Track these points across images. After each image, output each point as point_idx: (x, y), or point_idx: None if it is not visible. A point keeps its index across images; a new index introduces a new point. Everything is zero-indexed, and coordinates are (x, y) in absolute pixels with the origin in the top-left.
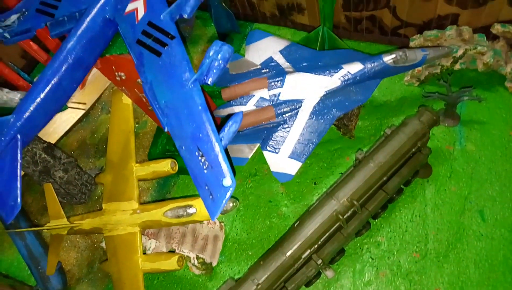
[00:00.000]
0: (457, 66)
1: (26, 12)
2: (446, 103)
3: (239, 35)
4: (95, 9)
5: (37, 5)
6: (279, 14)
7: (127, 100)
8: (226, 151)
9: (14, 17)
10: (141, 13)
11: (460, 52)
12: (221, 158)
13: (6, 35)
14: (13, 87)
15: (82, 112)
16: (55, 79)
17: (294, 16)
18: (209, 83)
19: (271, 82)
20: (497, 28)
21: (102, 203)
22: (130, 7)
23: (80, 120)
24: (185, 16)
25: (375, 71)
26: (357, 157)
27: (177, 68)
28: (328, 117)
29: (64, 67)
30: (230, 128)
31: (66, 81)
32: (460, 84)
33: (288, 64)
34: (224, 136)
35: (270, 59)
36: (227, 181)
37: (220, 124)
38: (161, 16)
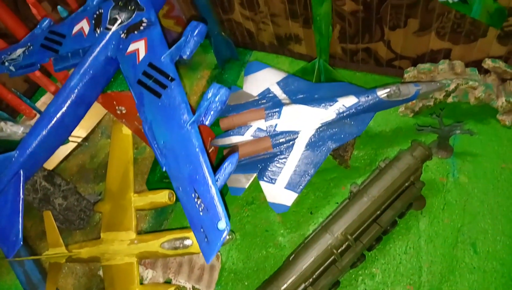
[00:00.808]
0: (450, 99)
1: (31, 47)
2: (439, 136)
3: (238, 62)
4: (98, 48)
5: (42, 41)
6: (277, 44)
7: (127, 131)
8: (221, 192)
9: (19, 51)
10: (142, 54)
11: (452, 86)
12: (217, 201)
13: (12, 68)
14: (15, 112)
15: (82, 136)
16: (58, 116)
17: (292, 45)
18: (206, 124)
19: (268, 113)
20: (488, 63)
21: (101, 232)
22: (131, 47)
23: (80, 145)
24: (185, 57)
25: (369, 105)
26: (352, 191)
27: (176, 110)
28: (323, 149)
29: (67, 104)
30: (226, 170)
31: (69, 117)
32: (454, 115)
33: (285, 95)
34: (219, 178)
35: (268, 90)
36: (222, 224)
37: (218, 152)
38: (162, 57)
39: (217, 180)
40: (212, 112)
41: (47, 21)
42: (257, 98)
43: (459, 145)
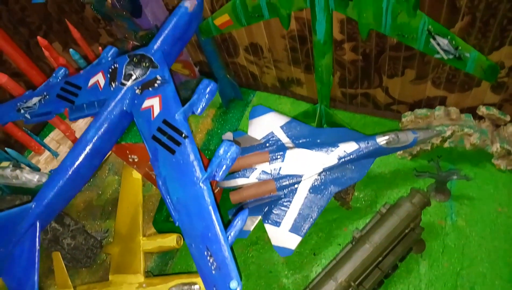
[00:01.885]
0: (446, 144)
1: (47, 96)
2: (436, 181)
3: (242, 102)
4: (113, 103)
5: (58, 91)
6: (279, 86)
7: (137, 175)
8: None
9: (35, 100)
10: (156, 110)
11: (448, 133)
12: (229, 260)
13: (27, 116)
14: (24, 147)
15: None
16: (74, 168)
17: (294, 88)
18: (218, 180)
19: (272, 156)
20: (482, 111)
21: (109, 274)
22: (146, 103)
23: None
24: (197, 113)
25: (369, 151)
26: (354, 236)
27: (189, 167)
28: (326, 193)
29: (83, 156)
30: (237, 226)
31: (85, 169)
32: (450, 158)
33: (288, 139)
34: (231, 234)
35: (271, 134)
36: (234, 283)
37: (222, 194)
38: (176, 115)
39: (228, 237)
40: (223, 168)
41: (62, 70)
42: (261, 141)
43: (456, 188)
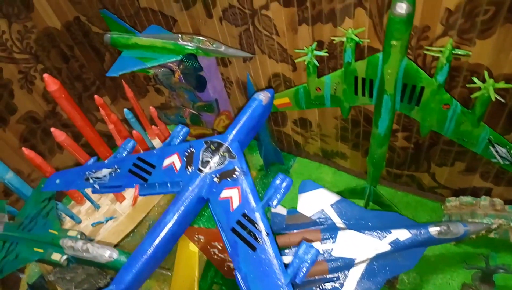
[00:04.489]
0: (491, 235)
1: (119, 170)
2: (483, 272)
3: (283, 166)
4: (191, 188)
5: (130, 166)
6: (322, 155)
7: (193, 248)
8: None
9: (106, 171)
10: (235, 202)
11: (494, 226)
12: None
13: (96, 186)
14: (63, 194)
15: (130, 228)
16: (151, 251)
17: (337, 160)
18: (298, 282)
19: (324, 236)
20: None
21: None
22: (224, 193)
23: (127, 235)
24: (272, 206)
25: (421, 240)
26: None
27: (271, 267)
28: (378, 279)
29: (159, 240)
30: None
31: (160, 253)
32: (492, 246)
33: (339, 219)
34: None
35: (322, 212)
36: None
37: None
38: (255, 210)
39: None
40: (304, 270)
41: (131, 142)
42: (312, 219)
43: (501, 279)
